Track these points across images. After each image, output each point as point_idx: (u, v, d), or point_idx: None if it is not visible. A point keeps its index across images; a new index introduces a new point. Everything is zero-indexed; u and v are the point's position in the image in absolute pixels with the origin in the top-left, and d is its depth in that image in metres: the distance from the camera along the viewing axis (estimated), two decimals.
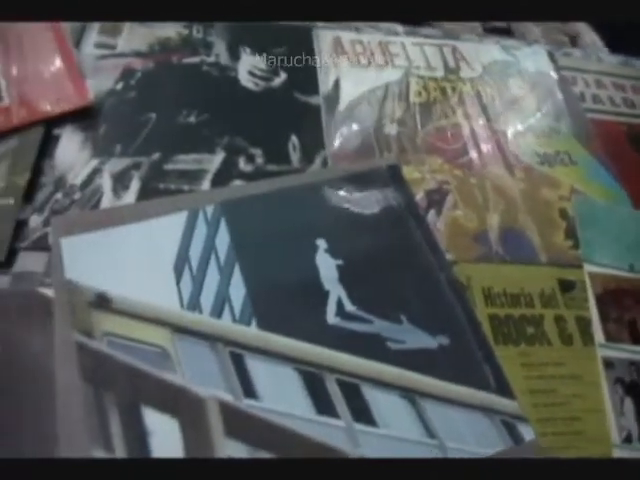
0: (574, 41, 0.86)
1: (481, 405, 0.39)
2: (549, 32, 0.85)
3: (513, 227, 0.49)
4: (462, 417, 0.39)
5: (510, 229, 0.49)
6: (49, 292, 0.42)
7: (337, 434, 0.37)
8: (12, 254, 0.45)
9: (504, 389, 0.40)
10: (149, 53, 0.59)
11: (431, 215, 0.48)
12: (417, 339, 0.41)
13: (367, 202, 0.47)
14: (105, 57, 0.58)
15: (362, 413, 0.38)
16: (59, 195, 0.48)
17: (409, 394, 0.39)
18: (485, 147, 0.54)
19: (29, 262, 0.45)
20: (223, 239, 0.44)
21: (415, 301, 0.43)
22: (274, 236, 0.45)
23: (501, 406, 0.39)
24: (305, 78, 0.58)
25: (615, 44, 0.77)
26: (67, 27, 0.59)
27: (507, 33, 0.76)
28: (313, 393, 0.38)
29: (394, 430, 0.37)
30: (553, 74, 0.62)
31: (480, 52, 0.63)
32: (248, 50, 0.60)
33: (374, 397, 0.38)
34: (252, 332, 0.40)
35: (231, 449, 0.35)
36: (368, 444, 0.36)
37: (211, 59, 0.59)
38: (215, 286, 0.42)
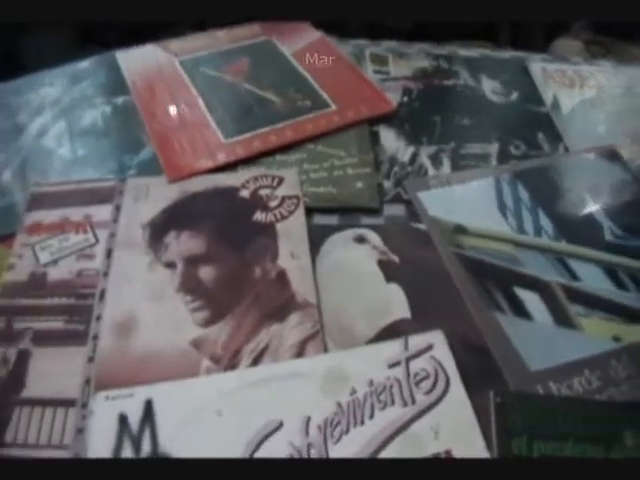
0: None
1: None
2: None
3: None
4: None
5: None
6: (420, 226, 0.66)
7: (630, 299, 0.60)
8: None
9: None
10: (414, 77, 0.84)
11: None
12: None
13: (608, 170, 0.72)
14: (385, 80, 0.84)
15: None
16: (396, 168, 0.73)
17: None
18: None
19: (393, 210, 0.69)
20: (524, 193, 0.69)
21: None
22: (553, 191, 0.70)
23: None
24: (530, 94, 0.83)
25: None
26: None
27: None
28: (612, 278, 0.62)
29: None
30: None
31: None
32: (484, 76, 0.85)
33: None
34: (565, 246, 0.64)
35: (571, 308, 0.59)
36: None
37: (461, 82, 0.84)
38: (531, 221, 0.66)
